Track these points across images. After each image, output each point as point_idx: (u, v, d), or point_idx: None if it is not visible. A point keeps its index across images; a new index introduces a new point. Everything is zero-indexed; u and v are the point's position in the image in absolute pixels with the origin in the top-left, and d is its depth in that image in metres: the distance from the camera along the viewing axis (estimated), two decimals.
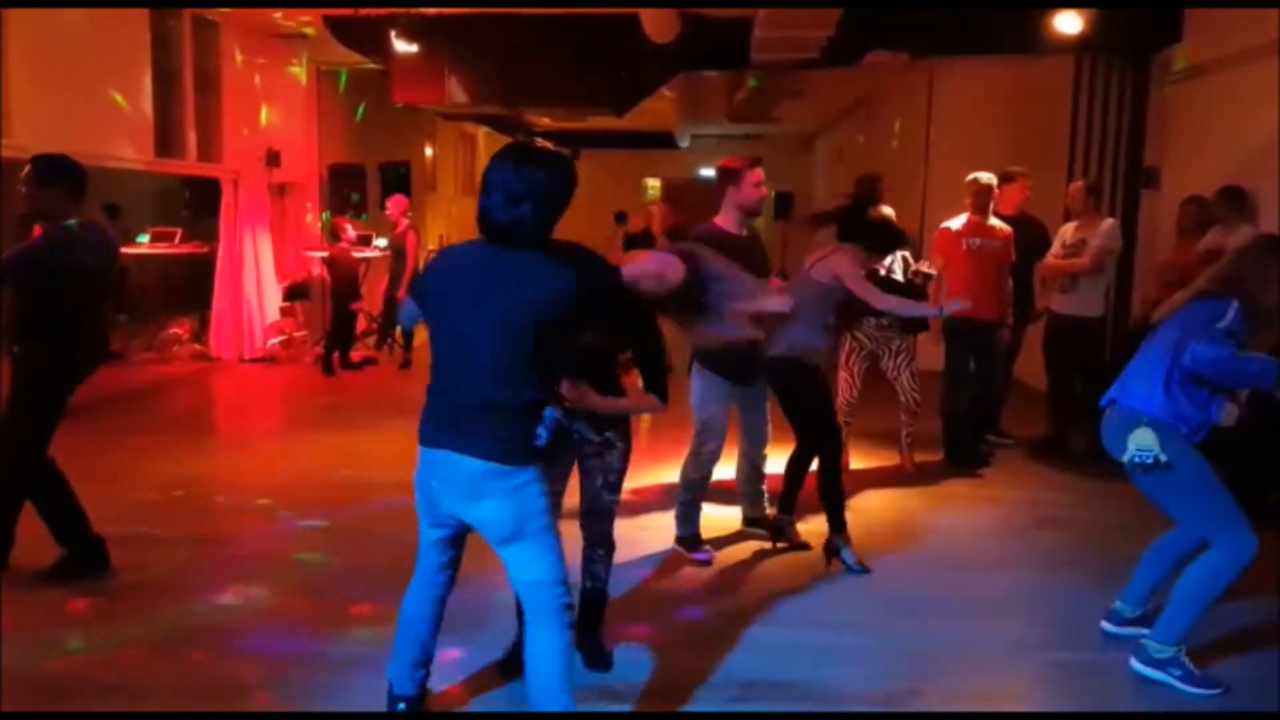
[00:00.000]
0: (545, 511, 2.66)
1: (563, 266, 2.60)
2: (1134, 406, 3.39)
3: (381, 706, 3.10)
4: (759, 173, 4.52)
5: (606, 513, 3.38)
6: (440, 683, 3.31)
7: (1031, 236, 6.43)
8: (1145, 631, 3.56)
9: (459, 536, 2.86)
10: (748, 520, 4.91)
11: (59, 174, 3.99)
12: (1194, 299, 3.39)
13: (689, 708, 3.19)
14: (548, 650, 2.69)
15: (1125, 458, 3.39)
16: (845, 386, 5.95)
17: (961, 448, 6.21)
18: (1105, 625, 3.80)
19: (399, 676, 2.93)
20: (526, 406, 2.60)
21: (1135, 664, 3.42)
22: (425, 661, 2.94)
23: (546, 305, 2.55)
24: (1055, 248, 6.32)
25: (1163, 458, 3.30)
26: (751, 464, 4.86)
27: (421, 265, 10.43)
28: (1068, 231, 6.27)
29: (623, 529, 5.03)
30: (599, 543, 3.40)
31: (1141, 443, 3.34)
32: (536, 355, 2.59)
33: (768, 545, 4.69)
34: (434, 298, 2.71)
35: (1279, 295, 3.31)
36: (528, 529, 2.64)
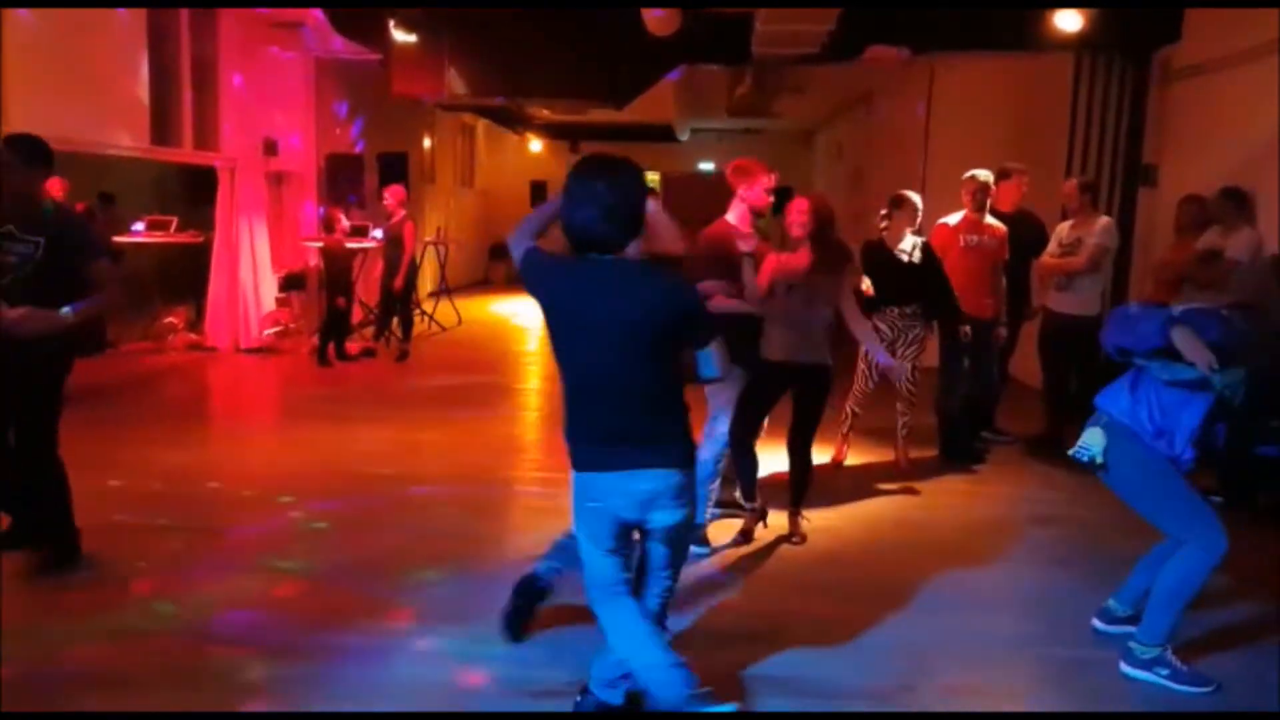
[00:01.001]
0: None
1: (664, 276, 2.76)
2: (1101, 405, 3.45)
3: (374, 696, 3.11)
4: (773, 179, 4.67)
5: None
6: (440, 674, 3.32)
7: (1029, 234, 6.43)
8: (1132, 629, 3.57)
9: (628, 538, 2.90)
10: (720, 503, 4.93)
11: (39, 156, 3.91)
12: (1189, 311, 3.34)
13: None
14: (641, 630, 2.81)
15: (1070, 451, 3.47)
16: (862, 378, 5.99)
17: (957, 444, 6.22)
18: (1096, 623, 3.80)
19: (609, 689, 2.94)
20: (677, 414, 2.77)
21: (1124, 667, 3.43)
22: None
23: (669, 312, 2.68)
24: (1052, 246, 6.32)
25: (1099, 459, 3.36)
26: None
27: (419, 255, 10.44)
28: (1064, 230, 6.27)
29: None
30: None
31: (1087, 440, 3.41)
32: (672, 363, 2.73)
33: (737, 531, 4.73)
34: (563, 318, 2.74)
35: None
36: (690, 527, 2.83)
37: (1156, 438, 3.31)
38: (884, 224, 5.83)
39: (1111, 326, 3.36)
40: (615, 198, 2.65)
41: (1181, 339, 3.11)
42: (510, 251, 2.88)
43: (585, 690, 2.97)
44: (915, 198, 5.77)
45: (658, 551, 2.83)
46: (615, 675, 2.90)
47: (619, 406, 2.70)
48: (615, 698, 2.92)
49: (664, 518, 2.76)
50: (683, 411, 2.78)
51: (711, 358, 2.75)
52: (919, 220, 5.77)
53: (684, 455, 2.76)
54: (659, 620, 2.93)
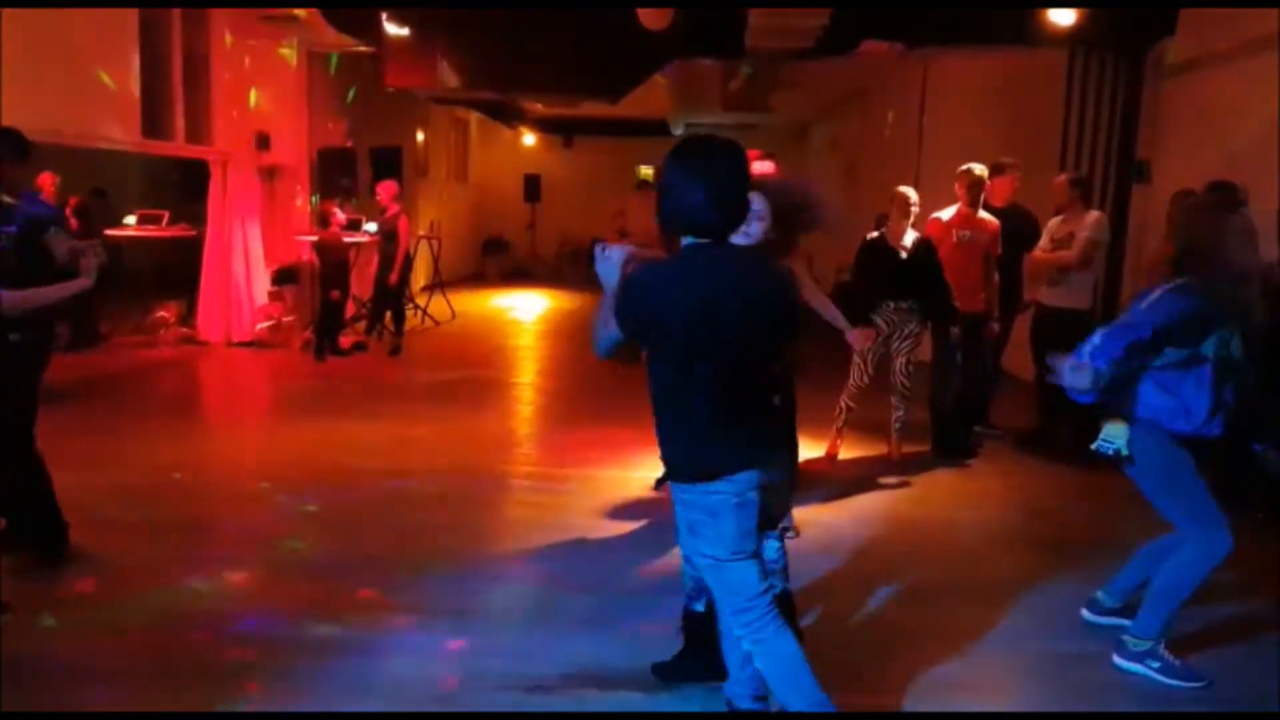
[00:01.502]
0: None
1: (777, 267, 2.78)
2: (1114, 400, 3.40)
3: (366, 689, 3.11)
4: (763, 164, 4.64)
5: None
6: (431, 668, 3.32)
7: (1021, 228, 6.42)
8: (1124, 622, 3.58)
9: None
10: None
11: (19, 148, 3.92)
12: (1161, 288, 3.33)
13: (670, 697, 3.19)
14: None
15: (1093, 445, 3.43)
16: (858, 372, 5.98)
17: (949, 439, 6.23)
18: (1085, 613, 3.82)
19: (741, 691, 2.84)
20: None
21: (1116, 659, 3.44)
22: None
23: (786, 299, 2.68)
24: (1043, 241, 6.32)
25: (1124, 451, 3.34)
26: None
27: (413, 249, 10.41)
28: (1055, 225, 6.27)
29: (607, 507, 5.03)
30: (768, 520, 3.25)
31: (1110, 434, 3.38)
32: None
33: None
34: (699, 315, 2.51)
35: (1247, 255, 3.25)
36: None
37: (1174, 418, 3.28)
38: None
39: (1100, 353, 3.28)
40: (725, 179, 2.53)
41: (1069, 377, 3.24)
42: (605, 339, 2.65)
43: (730, 705, 2.87)
44: (906, 191, 5.80)
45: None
46: (758, 690, 2.78)
47: (760, 398, 2.67)
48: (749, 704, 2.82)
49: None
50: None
51: None
52: (914, 214, 5.79)
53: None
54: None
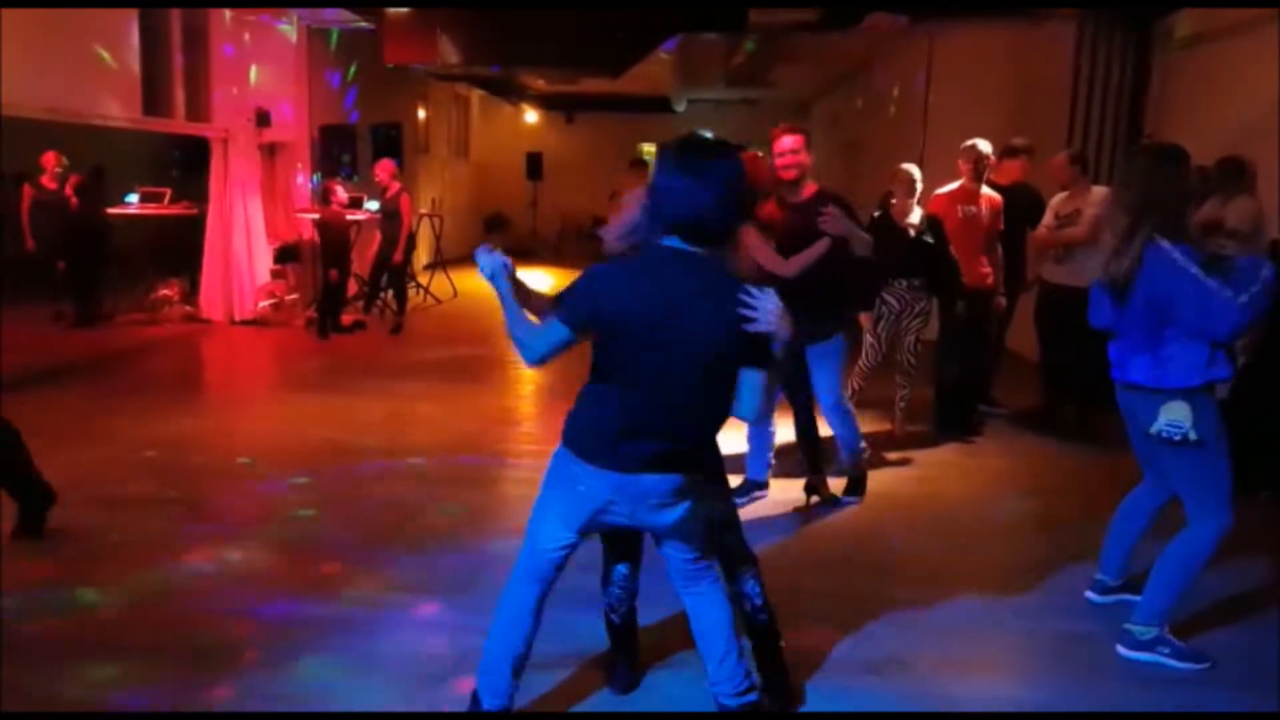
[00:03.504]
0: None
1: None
2: (1152, 381, 3.26)
3: (363, 666, 3.10)
4: (786, 141, 4.51)
5: (731, 522, 3.07)
6: (429, 644, 3.32)
7: (1025, 205, 6.38)
8: (1129, 598, 3.57)
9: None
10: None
11: None
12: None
13: (670, 672, 3.18)
14: (713, 609, 2.76)
15: (1154, 429, 3.26)
16: (872, 351, 6.00)
17: (953, 416, 6.20)
18: (1090, 595, 3.80)
19: (495, 688, 2.72)
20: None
21: (1122, 650, 3.39)
22: (522, 669, 2.75)
23: (737, 317, 2.52)
24: (1048, 218, 6.26)
25: (1192, 435, 3.20)
26: None
27: (414, 227, 10.37)
28: (1059, 201, 6.21)
29: None
30: (739, 559, 3.04)
31: (1176, 417, 3.21)
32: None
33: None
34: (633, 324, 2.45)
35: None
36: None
37: (1215, 366, 3.19)
38: (892, 199, 5.86)
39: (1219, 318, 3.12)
40: (737, 184, 2.46)
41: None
42: (542, 342, 2.52)
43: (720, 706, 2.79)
44: (910, 169, 5.75)
45: (665, 549, 2.77)
46: (744, 687, 2.75)
47: (680, 423, 2.53)
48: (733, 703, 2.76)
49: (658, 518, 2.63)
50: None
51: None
52: (918, 192, 5.75)
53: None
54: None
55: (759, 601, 3.02)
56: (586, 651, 3.27)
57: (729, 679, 2.75)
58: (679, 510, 2.60)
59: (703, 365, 2.46)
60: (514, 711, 2.78)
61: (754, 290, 2.42)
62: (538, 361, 2.54)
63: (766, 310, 2.40)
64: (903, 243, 5.71)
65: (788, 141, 4.49)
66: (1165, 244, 3.16)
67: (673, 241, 2.46)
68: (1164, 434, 3.24)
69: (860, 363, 6.06)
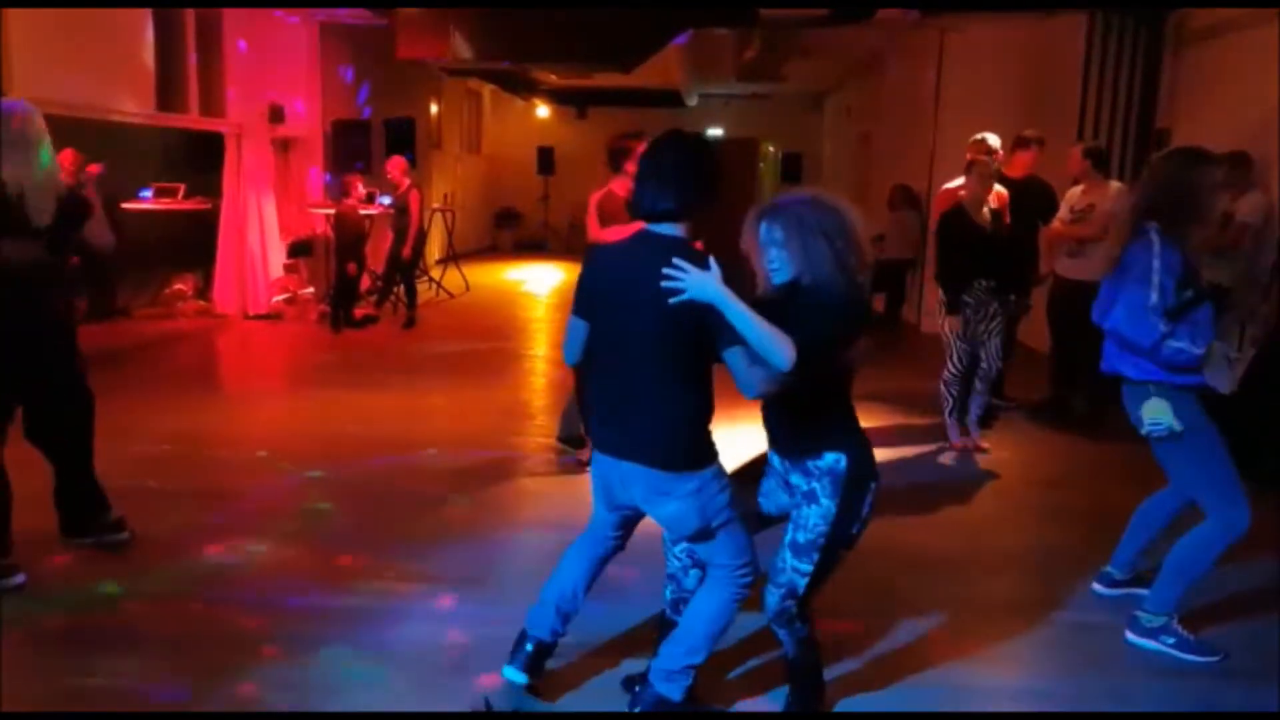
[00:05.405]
0: (729, 504, 2.70)
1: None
2: (1128, 375, 3.34)
3: (381, 657, 3.14)
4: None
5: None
6: (447, 635, 3.36)
7: (1038, 200, 6.36)
8: (1137, 592, 3.58)
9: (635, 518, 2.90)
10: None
11: None
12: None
13: None
14: (709, 609, 2.75)
15: (1143, 431, 3.34)
16: (955, 356, 5.66)
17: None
18: (1096, 587, 3.82)
19: (539, 620, 2.92)
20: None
21: (1130, 636, 3.42)
22: (568, 615, 2.92)
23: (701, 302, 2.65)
24: (1063, 212, 6.25)
25: (1176, 427, 3.24)
26: None
27: (426, 223, 10.41)
28: (1075, 195, 6.20)
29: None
30: (783, 618, 2.80)
31: (1155, 414, 3.27)
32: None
33: None
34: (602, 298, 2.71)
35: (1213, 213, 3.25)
36: (714, 525, 2.68)
37: (1191, 371, 3.21)
38: (961, 190, 5.67)
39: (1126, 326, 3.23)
40: (671, 161, 2.62)
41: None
42: (569, 339, 2.78)
43: (643, 680, 2.82)
44: (986, 159, 5.57)
45: (692, 545, 2.81)
46: (680, 666, 2.73)
47: (647, 404, 2.66)
48: (674, 693, 2.74)
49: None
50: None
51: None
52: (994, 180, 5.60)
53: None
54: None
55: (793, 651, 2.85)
56: (602, 636, 3.32)
57: (667, 660, 2.76)
58: (668, 507, 2.65)
59: (652, 344, 2.56)
60: (521, 713, 2.88)
61: (683, 261, 2.46)
62: (572, 361, 2.80)
63: (692, 279, 2.44)
64: (978, 239, 5.44)
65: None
66: (1156, 240, 3.18)
67: (648, 226, 2.65)
68: (1151, 433, 3.32)
69: (945, 372, 5.71)
